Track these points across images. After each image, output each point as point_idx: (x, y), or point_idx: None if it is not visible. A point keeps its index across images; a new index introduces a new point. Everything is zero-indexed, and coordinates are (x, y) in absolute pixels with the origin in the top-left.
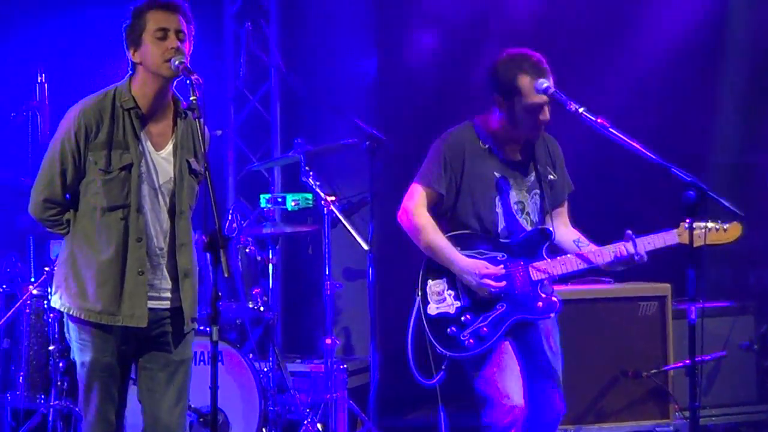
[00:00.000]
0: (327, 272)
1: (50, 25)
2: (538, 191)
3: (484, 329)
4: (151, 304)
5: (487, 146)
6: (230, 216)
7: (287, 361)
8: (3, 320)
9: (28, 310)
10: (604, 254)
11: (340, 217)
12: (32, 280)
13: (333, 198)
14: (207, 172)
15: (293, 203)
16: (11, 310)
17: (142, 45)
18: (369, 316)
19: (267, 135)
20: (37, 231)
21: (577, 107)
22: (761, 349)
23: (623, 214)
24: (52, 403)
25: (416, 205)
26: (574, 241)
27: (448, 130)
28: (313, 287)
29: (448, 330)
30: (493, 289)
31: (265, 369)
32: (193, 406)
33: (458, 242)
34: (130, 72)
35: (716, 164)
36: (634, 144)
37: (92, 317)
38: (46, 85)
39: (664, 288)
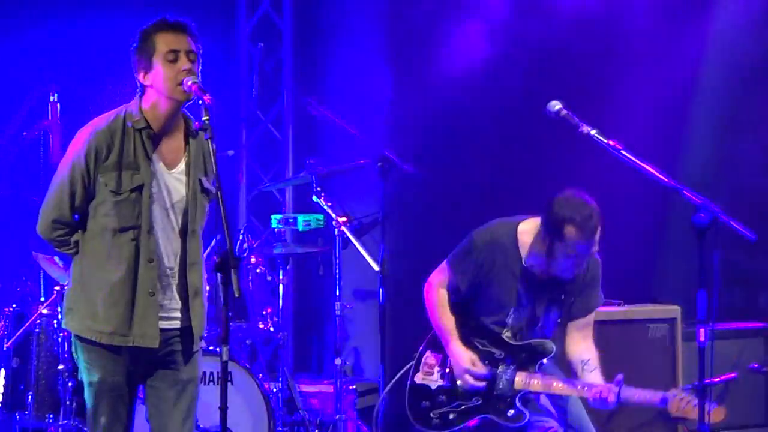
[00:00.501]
0: (337, 293)
1: (63, 45)
2: (556, 310)
3: (453, 415)
4: (161, 324)
5: (521, 258)
6: (241, 236)
7: (297, 381)
8: (12, 340)
9: (37, 330)
10: (589, 392)
11: (351, 237)
12: (42, 299)
13: (344, 219)
14: (219, 192)
15: (304, 224)
16: (21, 330)
17: (153, 68)
18: (379, 336)
19: (279, 155)
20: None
21: (589, 129)
22: None
23: (634, 234)
24: (60, 423)
25: (438, 284)
26: (581, 361)
27: (491, 226)
28: (323, 308)
29: (422, 403)
30: (467, 387)
31: (275, 389)
32: (202, 426)
33: (465, 325)
34: (140, 92)
35: (728, 185)
36: (646, 166)
37: (104, 339)
38: (58, 105)
39: (673, 310)
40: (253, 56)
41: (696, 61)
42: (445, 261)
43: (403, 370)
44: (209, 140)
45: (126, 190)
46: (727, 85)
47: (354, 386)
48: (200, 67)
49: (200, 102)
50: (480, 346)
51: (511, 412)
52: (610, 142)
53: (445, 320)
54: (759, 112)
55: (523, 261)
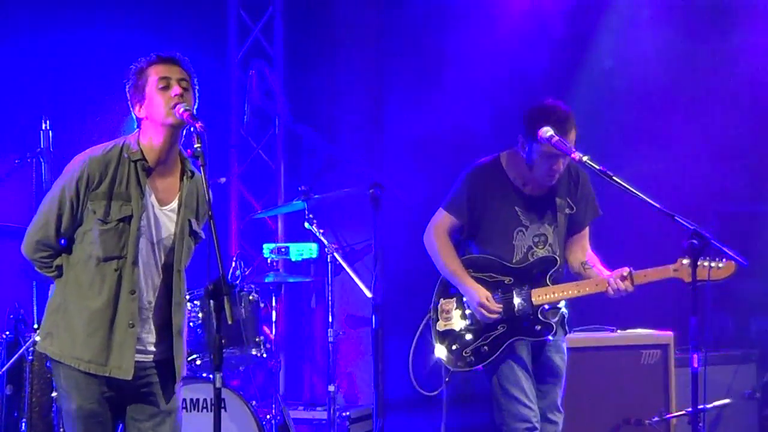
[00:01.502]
0: (330, 319)
1: (55, 73)
2: (557, 223)
3: (485, 348)
4: (137, 357)
5: (511, 180)
6: (234, 263)
7: (290, 408)
8: (6, 367)
9: (30, 357)
10: (600, 284)
11: (344, 264)
12: (35, 326)
13: (336, 246)
14: (211, 220)
15: (298, 253)
16: (14, 357)
17: (146, 99)
18: (372, 363)
19: (271, 182)
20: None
21: (580, 156)
22: (764, 397)
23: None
24: None
25: (438, 227)
26: (582, 263)
27: (477, 161)
28: (316, 334)
29: (452, 347)
30: (487, 319)
31: (268, 416)
32: None
33: (471, 264)
34: (138, 128)
35: (719, 212)
36: (638, 193)
37: (81, 366)
38: (50, 131)
39: (666, 336)
40: (244, 83)
41: (686, 88)
42: (440, 208)
43: (419, 330)
44: (202, 167)
45: (114, 219)
46: (717, 111)
47: (347, 413)
48: (196, 101)
49: (192, 129)
50: (489, 279)
51: (538, 327)
52: (602, 168)
53: (454, 262)
54: (748, 140)
55: (512, 181)
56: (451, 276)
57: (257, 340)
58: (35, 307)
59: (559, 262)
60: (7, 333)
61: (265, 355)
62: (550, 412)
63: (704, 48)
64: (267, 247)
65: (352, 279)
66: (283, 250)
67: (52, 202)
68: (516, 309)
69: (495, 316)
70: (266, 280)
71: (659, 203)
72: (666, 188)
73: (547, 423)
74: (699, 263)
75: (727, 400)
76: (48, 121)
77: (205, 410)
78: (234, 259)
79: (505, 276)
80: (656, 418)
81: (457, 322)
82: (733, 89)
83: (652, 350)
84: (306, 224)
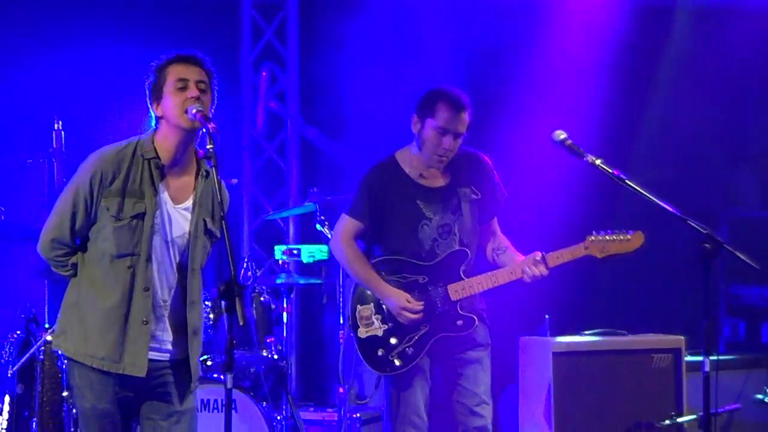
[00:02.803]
0: (341, 321)
1: (68, 73)
2: (462, 212)
3: (410, 349)
4: (151, 354)
5: (408, 175)
6: (245, 264)
7: (301, 409)
8: (17, 366)
9: (41, 356)
10: (515, 272)
11: None
12: (47, 326)
13: None
14: (223, 221)
15: (309, 256)
16: (26, 356)
17: (163, 98)
18: None
19: (283, 184)
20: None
21: (593, 159)
22: None
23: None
24: None
25: (344, 235)
26: (493, 249)
27: (374, 163)
28: (327, 336)
29: (377, 352)
30: (410, 322)
31: (279, 417)
32: None
33: (382, 268)
34: (155, 127)
35: (730, 218)
36: (651, 197)
37: (95, 363)
38: (62, 132)
39: (677, 340)
40: (257, 85)
41: (698, 93)
42: (342, 214)
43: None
44: (213, 168)
45: (127, 216)
46: (728, 116)
47: (358, 414)
48: (215, 103)
49: (204, 130)
50: (403, 280)
51: (460, 322)
52: (615, 172)
53: (367, 269)
54: (759, 145)
55: (409, 175)
56: (366, 283)
57: (268, 341)
58: (47, 307)
59: (469, 255)
60: (19, 332)
61: (276, 357)
62: (476, 405)
63: (715, 53)
64: (278, 249)
65: None
66: (294, 251)
67: (66, 201)
68: (435, 307)
69: (418, 316)
70: (277, 282)
71: (673, 207)
72: (677, 193)
73: (476, 417)
74: (603, 237)
75: (738, 405)
76: (60, 122)
77: (216, 411)
78: (245, 260)
79: (418, 275)
80: (667, 422)
81: (379, 327)
82: (744, 94)
83: (663, 354)
84: (318, 226)
